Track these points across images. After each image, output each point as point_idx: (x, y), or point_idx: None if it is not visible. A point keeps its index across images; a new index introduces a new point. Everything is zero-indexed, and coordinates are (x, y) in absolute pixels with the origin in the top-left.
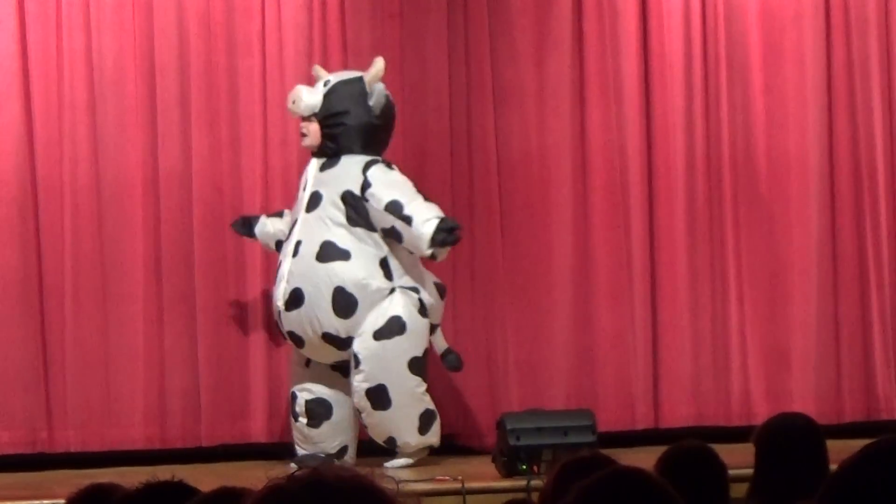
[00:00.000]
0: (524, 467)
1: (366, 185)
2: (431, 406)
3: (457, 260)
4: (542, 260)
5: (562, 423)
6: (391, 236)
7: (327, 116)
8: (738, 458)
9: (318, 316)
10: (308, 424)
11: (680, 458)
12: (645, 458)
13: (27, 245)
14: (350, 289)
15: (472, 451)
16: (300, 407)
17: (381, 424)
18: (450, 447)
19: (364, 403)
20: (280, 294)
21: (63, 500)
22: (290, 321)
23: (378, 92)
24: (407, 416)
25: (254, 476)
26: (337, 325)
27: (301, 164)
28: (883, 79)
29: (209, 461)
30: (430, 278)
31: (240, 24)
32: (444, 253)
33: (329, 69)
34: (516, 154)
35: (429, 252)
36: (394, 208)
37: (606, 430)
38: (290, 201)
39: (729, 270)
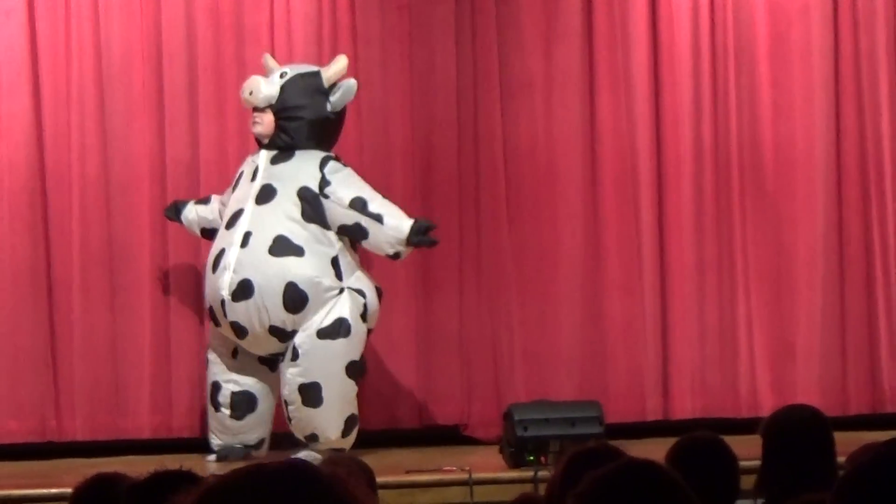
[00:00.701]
0: (531, 458)
1: (324, 183)
2: (356, 411)
3: (463, 251)
4: (549, 251)
5: (569, 414)
6: (352, 233)
7: (283, 109)
8: (746, 450)
9: (268, 308)
10: (231, 416)
11: (692, 449)
12: (653, 450)
13: (36, 235)
14: (302, 285)
15: (479, 442)
16: (224, 398)
17: (307, 420)
18: (457, 438)
19: (294, 397)
20: (225, 283)
21: (71, 489)
22: (236, 311)
23: (346, 89)
24: (334, 417)
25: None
26: (284, 319)
27: None
28: (890, 71)
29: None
30: (372, 281)
31: (248, 14)
32: (408, 252)
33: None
34: (524, 145)
35: (400, 249)
36: (359, 205)
37: (614, 421)
38: None
39: (737, 262)
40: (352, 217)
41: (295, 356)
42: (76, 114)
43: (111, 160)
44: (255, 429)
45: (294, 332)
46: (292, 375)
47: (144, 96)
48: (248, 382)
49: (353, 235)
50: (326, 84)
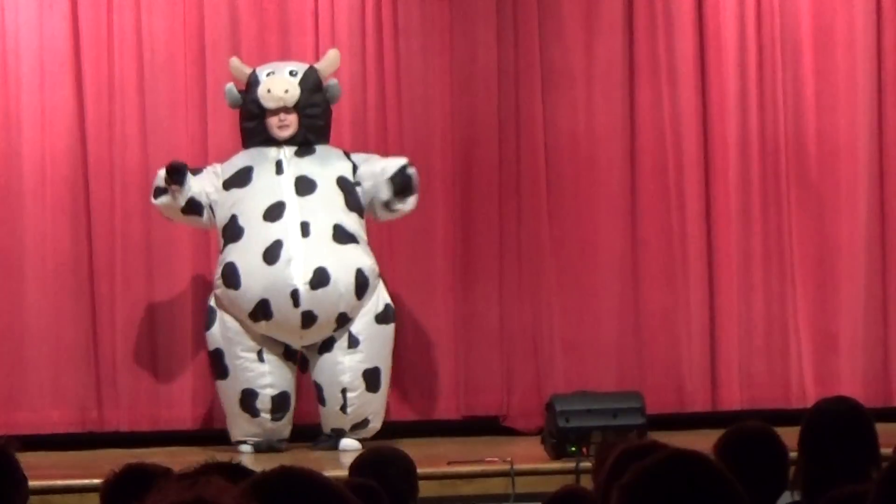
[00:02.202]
0: (573, 449)
1: (355, 170)
2: None
3: (504, 242)
4: (589, 242)
5: (611, 406)
6: (400, 188)
7: (306, 107)
8: (794, 442)
9: (342, 295)
10: (273, 419)
11: (741, 439)
12: (696, 441)
13: (78, 225)
14: (366, 271)
15: (521, 433)
16: (263, 404)
17: (365, 405)
18: (498, 428)
19: (358, 383)
20: (297, 273)
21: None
22: (313, 300)
23: (334, 84)
24: (383, 402)
25: (305, 458)
26: (353, 305)
27: (354, 145)
28: None
29: None
30: None
31: (292, 4)
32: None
33: (381, 49)
34: (565, 136)
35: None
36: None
37: (655, 412)
38: None
39: (784, 253)
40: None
41: (354, 343)
42: (118, 105)
43: (153, 152)
44: (286, 426)
45: (351, 320)
46: (355, 362)
47: (187, 88)
48: (281, 383)
49: (385, 210)
50: (323, 80)
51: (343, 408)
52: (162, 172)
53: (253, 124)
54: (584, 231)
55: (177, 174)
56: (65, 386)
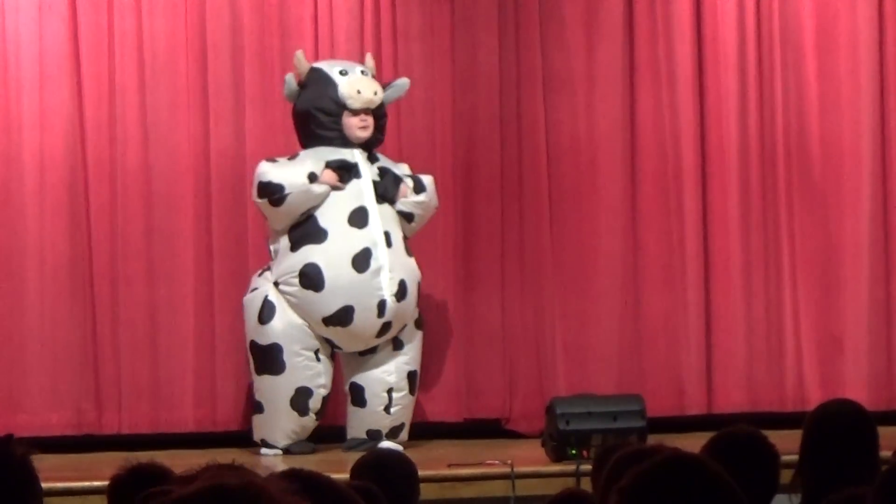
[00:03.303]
0: (573, 452)
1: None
2: None
3: (505, 246)
4: (590, 246)
5: (611, 408)
6: (407, 218)
7: (380, 107)
8: (791, 445)
9: (412, 308)
10: (316, 419)
11: (731, 443)
12: (697, 444)
13: (77, 227)
14: (419, 284)
15: (521, 436)
16: (315, 403)
17: (408, 408)
18: (499, 431)
19: (403, 384)
20: (384, 284)
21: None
22: (396, 312)
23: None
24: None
25: (303, 460)
26: (413, 316)
27: None
28: None
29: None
30: None
31: (292, 7)
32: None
33: (380, 53)
34: (566, 140)
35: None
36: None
37: (655, 415)
38: None
39: (783, 256)
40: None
41: (399, 345)
42: (119, 105)
43: (154, 153)
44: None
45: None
46: (401, 364)
47: (188, 89)
48: (330, 384)
49: (417, 224)
50: None
51: (387, 408)
52: (321, 165)
53: (327, 120)
54: (585, 234)
55: (350, 173)
56: (64, 388)
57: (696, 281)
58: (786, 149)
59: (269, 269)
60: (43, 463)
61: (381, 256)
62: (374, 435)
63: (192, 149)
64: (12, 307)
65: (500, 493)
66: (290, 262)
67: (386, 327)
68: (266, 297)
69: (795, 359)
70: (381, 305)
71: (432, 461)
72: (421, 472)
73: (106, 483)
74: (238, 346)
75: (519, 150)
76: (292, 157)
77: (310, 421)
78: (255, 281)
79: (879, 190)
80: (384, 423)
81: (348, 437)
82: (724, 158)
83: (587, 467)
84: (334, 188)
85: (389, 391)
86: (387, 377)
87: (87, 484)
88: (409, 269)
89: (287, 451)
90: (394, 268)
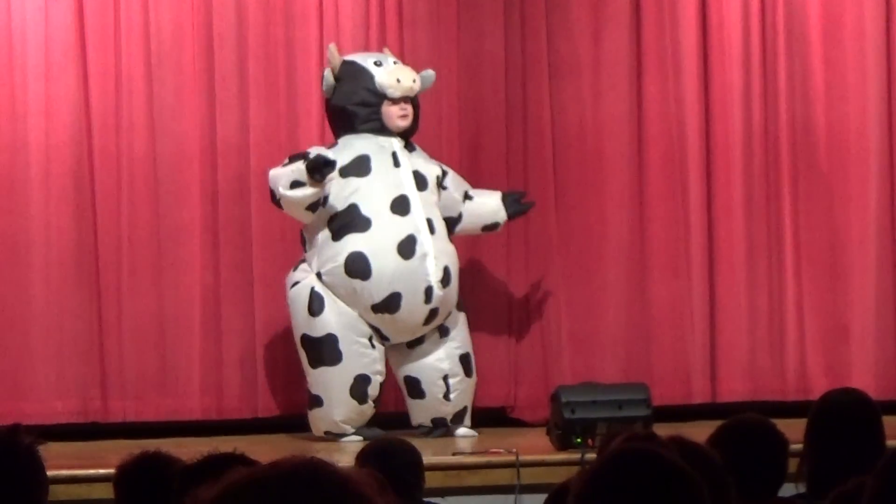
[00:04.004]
0: (578, 440)
1: (444, 174)
2: None
3: (511, 233)
4: (596, 234)
5: (616, 397)
6: (452, 223)
7: (416, 98)
8: (794, 434)
9: (455, 294)
10: (374, 406)
11: (739, 431)
12: (701, 433)
13: (83, 215)
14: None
15: (526, 424)
16: (374, 390)
17: (467, 392)
18: (504, 420)
19: (458, 369)
20: (431, 270)
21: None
22: (442, 298)
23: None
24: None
25: (311, 448)
26: (455, 304)
27: None
28: None
29: (266, 432)
30: None
31: None
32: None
33: (386, 41)
34: (572, 128)
35: (501, 220)
36: (465, 198)
37: (661, 403)
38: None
39: (787, 245)
40: (458, 209)
41: (445, 332)
42: (125, 94)
43: (160, 142)
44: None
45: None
46: (452, 349)
47: (194, 78)
48: (384, 370)
49: (451, 224)
50: None
51: (446, 395)
52: (300, 165)
53: (366, 111)
54: (591, 222)
55: (326, 169)
56: (70, 376)
57: (701, 269)
58: (791, 137)
59: (304, 261)
60: (48, 451)
61: (425, 242)
62: (440, 423)
63: (197, 138)
64: (18, 295)
65: (504, 481)
66: (333, 251)
67: (433, 314)
68: (312, 288)
69: (800, 348)
70: (428, 291)
71: (437, 449)
72: (426, 460)
73: (111, 471)
74: (243, 334)
75: (524, 137)
76: (331, 145)
77: (368, 408)
78: (294, 275)
79: (886, 178)
80: (446, 411)
81: (413, 423)
82: (730, 147)
83: (592, 456)
84: (313, 186)
85: (445, 378)
86: (440, 364)
87: (92, 472)
88: (451, 255)
89: (366, 436)
90: (438, 254)
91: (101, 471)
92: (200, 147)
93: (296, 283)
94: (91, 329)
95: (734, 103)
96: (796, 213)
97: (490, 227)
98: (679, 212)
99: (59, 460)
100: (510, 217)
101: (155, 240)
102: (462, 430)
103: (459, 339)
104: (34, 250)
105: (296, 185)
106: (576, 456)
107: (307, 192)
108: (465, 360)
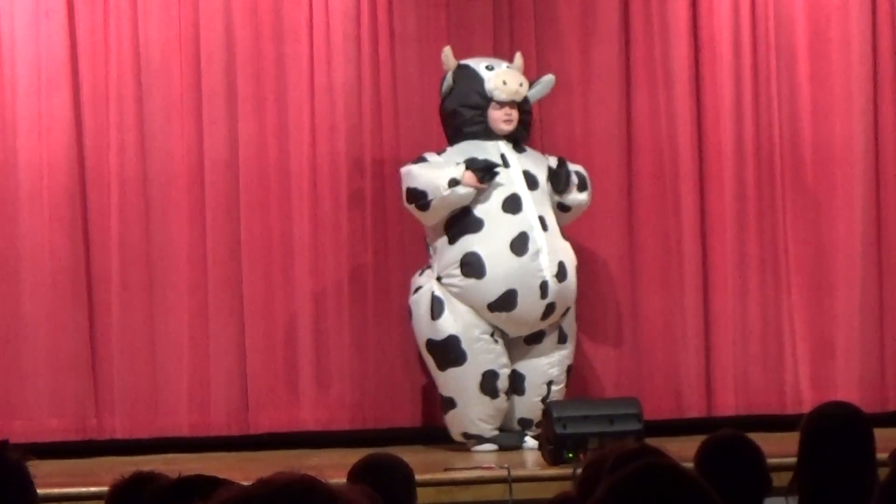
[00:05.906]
0: (570, 455)
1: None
2: None
3: None
4: (586, 247)
5: (608, 412)
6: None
7: (525, 101)
8: (789, 447)
9: (573, 291)
10: (506, 399)
11: (716, 448)
12: (693, 447)
13: (75, 234)
14: (576, 266)
15: None
16: (503, 383)
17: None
18: None
19: (563, 377)
20: (545, 265)
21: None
22: (558, 293)
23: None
24: None
25: (302, 464)
26: (573, 299)
27: (350, 153)
28: None
29: (256, 449)
30: None
31: (287, 11)
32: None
33: (377, 57)
34: (562, 142)
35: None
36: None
37: (652, 418)
38: (338, 190)
39: (779, 259)
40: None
41: (563, 338)
42: (115, 113)
43: (150, 159)
44: (510, 409)
45: (564, 315)
46: (563, 357)
47: (183, 95)
48: (510, 363)
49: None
50: None
51: (544, 399)
52: (461, 169)
53: (473, 113)
54: (581, 237)
55: (494, 171)
56: (62, 394)
57: (693, 283)
58: (781, 151)
59: (429, 266)
60: (40, 468)
61: (538, 239)
62: (526, 424)
63: (187, 155)
64: (10, 313)
65: (496, 496)
66: (451, 254)
67: (550, 309)
68: (433, 293)
69: (793, 362)
70: (544, 286)
71: (429, 465)
72: (417, 476)
73: (102, 489)
74: (233, 352)
75: None
76: (440, 151)
77: (501, 402)
78: (417, 280)
79: (872, 192)
80: (537, 413)
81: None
82: (720, 162)
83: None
84: (477, 188)
85: (549, 384)
86: (549, 370)
87: (83, 490)
88: (566, 251)
89: (501, 444)
90: (552, 250)
91: (93, 488)
92: (189, 165)
93: (418, 289)
94: (84, 346)
95: (725, 117)
96: (785, 228)
97: (560, 208)
98: (669, 225)
99: (52, 478)
100: (559, 192)
101: (146, 258)
102: (530, 442)
103: (571, 348)
104: (26, 268)
105: (453, 183)
106: (568, 471)
107: (470, 191)
108: (569, 371)
